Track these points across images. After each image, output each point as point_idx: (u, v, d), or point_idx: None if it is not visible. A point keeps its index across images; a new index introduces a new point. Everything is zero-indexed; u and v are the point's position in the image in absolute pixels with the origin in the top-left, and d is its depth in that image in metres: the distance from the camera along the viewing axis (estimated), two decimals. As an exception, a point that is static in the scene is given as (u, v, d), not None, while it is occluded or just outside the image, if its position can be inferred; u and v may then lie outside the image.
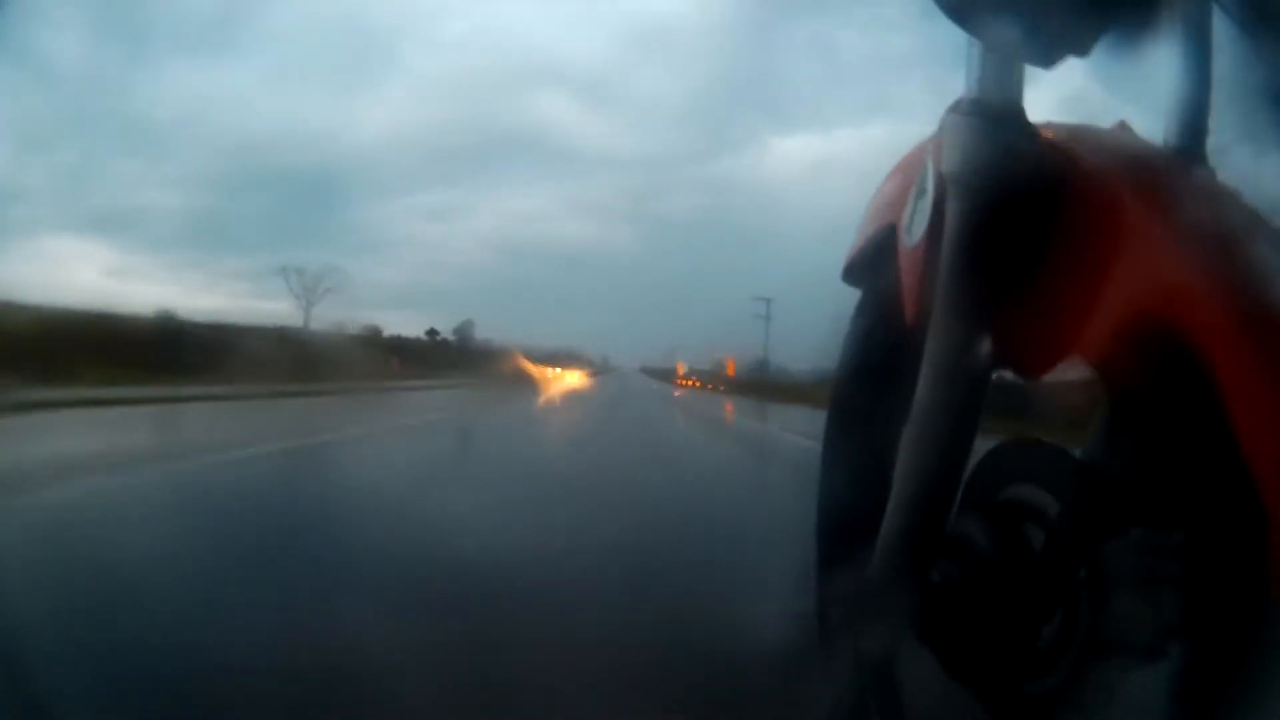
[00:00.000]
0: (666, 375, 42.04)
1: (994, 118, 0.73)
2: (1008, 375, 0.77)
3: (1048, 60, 0.71)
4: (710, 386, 30.38)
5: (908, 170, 0.86)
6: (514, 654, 1.68)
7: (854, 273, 1.01)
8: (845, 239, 1.01)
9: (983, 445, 0.80)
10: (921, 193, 0.80)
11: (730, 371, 30.87)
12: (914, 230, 0.81)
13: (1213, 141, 0.75)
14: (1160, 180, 0.69)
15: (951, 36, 0.76)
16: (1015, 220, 0.71)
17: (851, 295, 1.03)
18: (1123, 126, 0.80)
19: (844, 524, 0.97)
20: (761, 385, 23.35)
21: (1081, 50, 0.70)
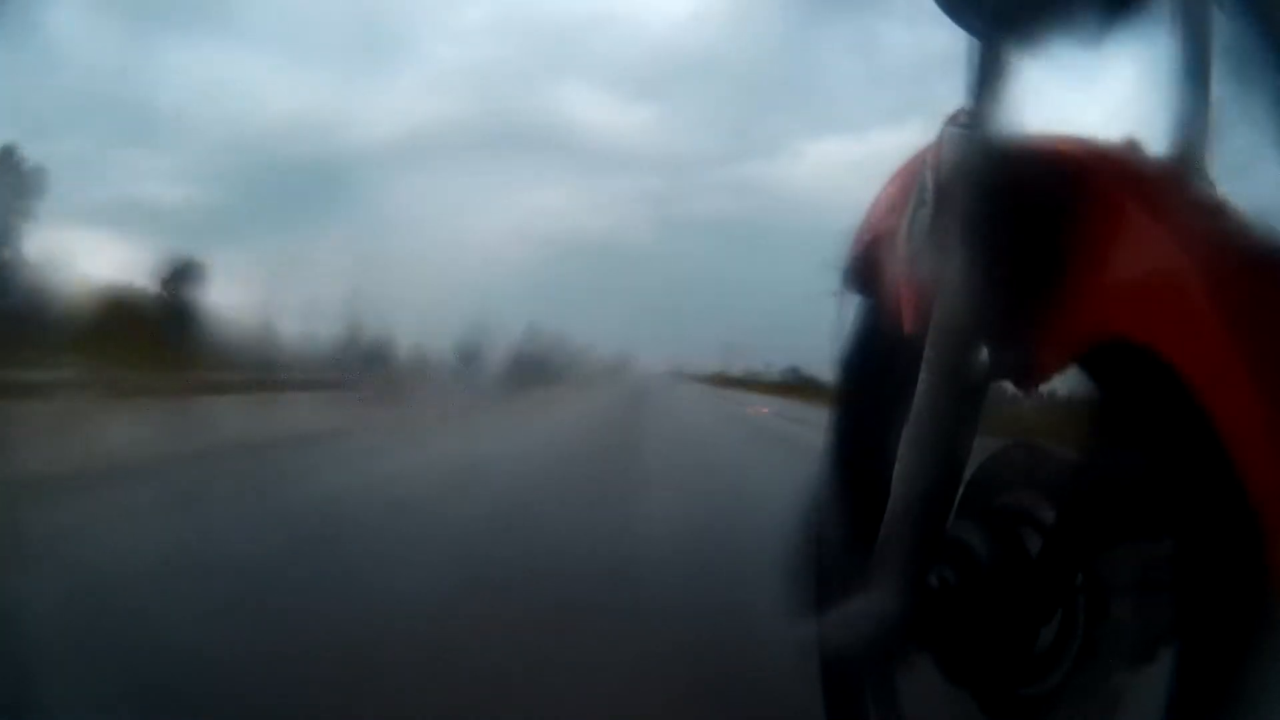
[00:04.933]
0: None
1: (992, 127, 0.72)
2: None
3: (1047, 61, 0.71)
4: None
5: (906, 178, 0.86)
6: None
7: (852, 278, 1.01)
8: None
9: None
10: (920, 201, 0.80)
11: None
12: (912, 238, 0.81)
13: (1213, 148, 0.75)
14: (1157, 192, 0.69)
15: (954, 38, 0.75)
16: (1012, 230, 0.71)
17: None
18: (1127, 141, 0.79)
19: (843, 528, 0.98)
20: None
21: (1081, 50, 0.70)
